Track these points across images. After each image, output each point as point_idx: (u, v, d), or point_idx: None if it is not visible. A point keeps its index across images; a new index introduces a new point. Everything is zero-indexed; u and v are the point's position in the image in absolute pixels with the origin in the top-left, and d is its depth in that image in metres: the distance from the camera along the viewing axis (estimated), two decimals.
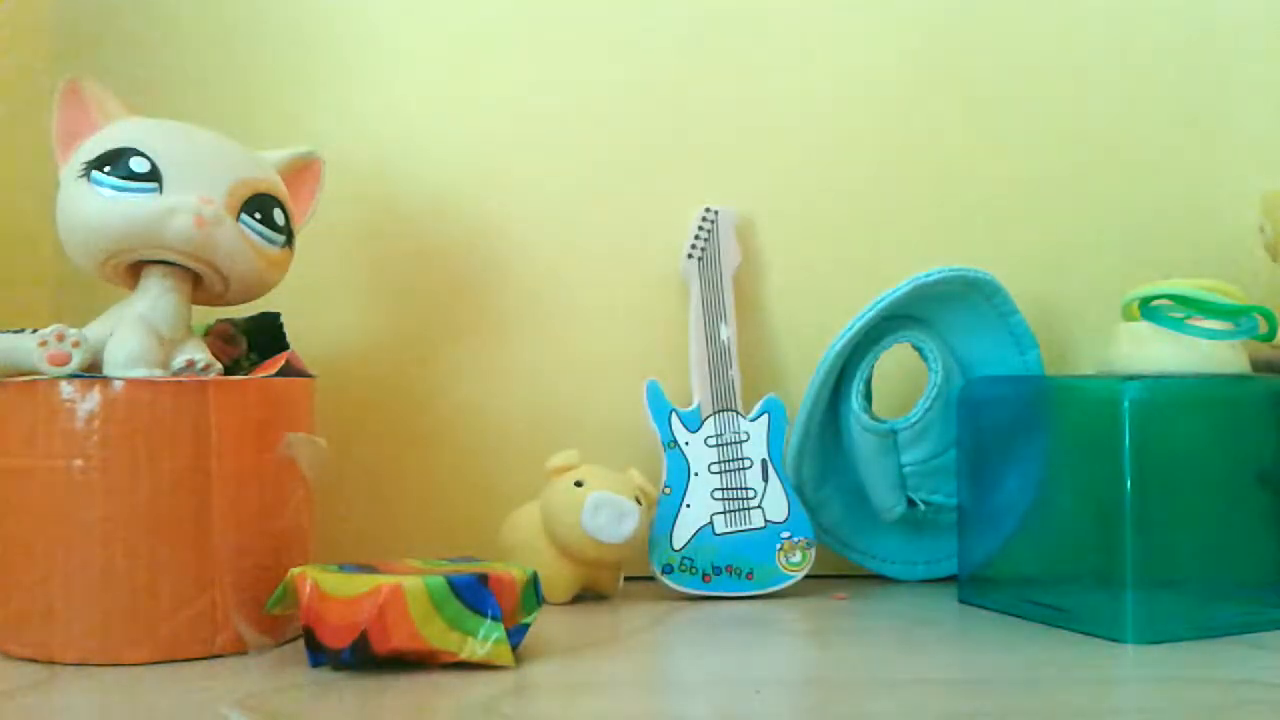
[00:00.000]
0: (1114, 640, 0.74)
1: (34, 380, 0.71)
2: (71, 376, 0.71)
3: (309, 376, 0.81)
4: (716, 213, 1.00)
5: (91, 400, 0.70)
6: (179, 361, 0.75)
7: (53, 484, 0.70)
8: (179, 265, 0.76)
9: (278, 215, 0.80)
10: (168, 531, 0.70)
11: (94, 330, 0.75)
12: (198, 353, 0.76)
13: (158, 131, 0.75)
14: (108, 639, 0.70)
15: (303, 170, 0.86)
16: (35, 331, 0.72)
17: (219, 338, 0.85)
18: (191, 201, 0.73)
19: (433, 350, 1.04)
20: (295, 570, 0.69)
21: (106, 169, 0.73)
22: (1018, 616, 0.83)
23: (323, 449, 0.80)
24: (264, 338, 0.87)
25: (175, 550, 0.70)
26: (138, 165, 0.73)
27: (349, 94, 1.04)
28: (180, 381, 0.72)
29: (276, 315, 0.89)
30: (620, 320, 1.03)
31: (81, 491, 0.70)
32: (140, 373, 0.72)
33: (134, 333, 0.74)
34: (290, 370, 0.79)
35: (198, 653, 0.71)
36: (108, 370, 0.72)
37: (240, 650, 0.72)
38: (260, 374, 0.78)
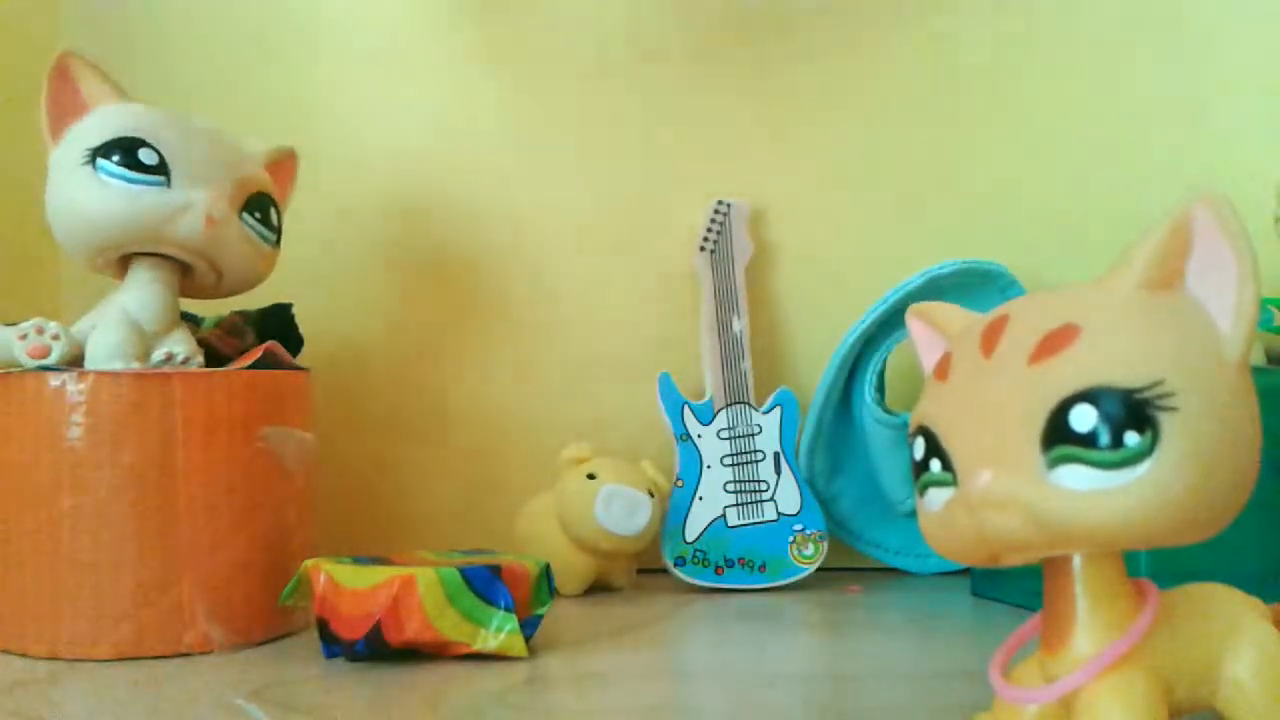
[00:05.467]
0: None
1: (8, 373, 0.71)
2: (49, 369, 0.70)
3: (295, 369, 0.80)
4: (729, 205, 0.99)
5: (62, 393, 0.69)
6: (159, 354, 0.74)
7: (24, 477, 0.70)
8: (170, 258, 0.75)
9: (273, 214, 0.80)
10: (132, 526, 0.69)
11: (81, 324, 0.74)
12: (178, 345, 0.74)
13: (161, 122, 0.74)
14: (74, 633, 0.69)
15: (280, 164, 0.85)
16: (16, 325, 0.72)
17: (226, 330, 0.85)
18: (204, 199, 0.73)
19: (446, 344, 1.04)
20: (309, 562, 0.68)
21: (114, 158, 0.71)
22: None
23: (308, 442, 0.78)
24: (274, 330, 0.87)
25: (139, 545, 0.69)
26: (147, 157, 0.72)
27: (363, 96, 1.05)
28: (144, 373, 0.71)
29: (288, 306, 0.89)
30: (633, 313, 1.03)
31: (50, 484, 0.69)
32: (118, 365, 0.71)
33: (115, 326, 0.73)
34: (270, 362, 0.77)
35: (163, 650, 0.69)
36: (89, 363, 0.72)
37: (207, 649, 0.70)
38: (238, 366, 0.76)
